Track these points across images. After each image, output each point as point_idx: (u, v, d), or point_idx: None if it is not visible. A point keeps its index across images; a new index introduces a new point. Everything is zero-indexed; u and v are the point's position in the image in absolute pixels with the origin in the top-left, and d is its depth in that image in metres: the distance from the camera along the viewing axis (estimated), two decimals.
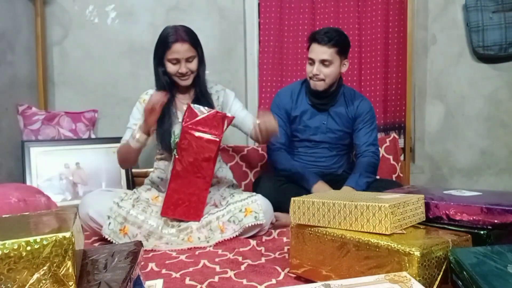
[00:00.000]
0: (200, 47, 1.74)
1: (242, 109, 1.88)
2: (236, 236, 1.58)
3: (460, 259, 0.86)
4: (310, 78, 1.86)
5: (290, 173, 1.89)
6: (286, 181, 1.87)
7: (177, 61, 1.67)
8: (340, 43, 1.80)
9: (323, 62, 1.80)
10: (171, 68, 1.69)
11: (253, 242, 1.54)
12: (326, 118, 1.95)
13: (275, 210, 1.70)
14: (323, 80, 1.83)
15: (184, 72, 1.69)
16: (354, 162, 2.20)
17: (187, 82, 1.73)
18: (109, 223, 1.53)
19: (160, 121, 1.74)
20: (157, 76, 1.76)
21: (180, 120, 1.79)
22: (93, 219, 1.56)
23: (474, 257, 0.86)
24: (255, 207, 1.61)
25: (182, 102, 1.80)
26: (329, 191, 1.36)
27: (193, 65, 1.71)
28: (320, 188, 1.81)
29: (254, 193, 1.70)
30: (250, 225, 1.59)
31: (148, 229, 1.55)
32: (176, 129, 1.76)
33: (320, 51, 1.79)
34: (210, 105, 1.78)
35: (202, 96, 1.78)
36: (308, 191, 1.81)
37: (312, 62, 1.83)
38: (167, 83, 1.75)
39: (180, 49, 1.65)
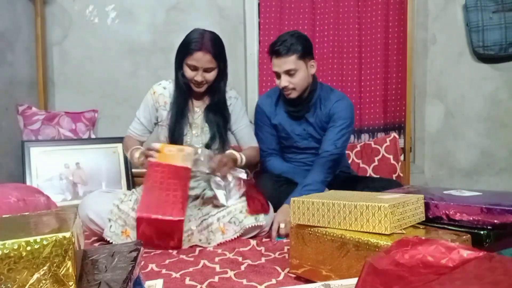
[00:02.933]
0: (224, 59, 1.72)
1: (245, 127, 1.88)
2: (237, 237, 1.58)
3: None
4: (282, 90, 1.82)
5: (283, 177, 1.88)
6: (286, 181, 1.87)
7: (195, 68, 1.66)
8: (298, 48, 1.72)
9: (288, 72, 1.74)
10: (188, 73, 1.68)
11: (253, 242, 1.54)
12: (305, 125, 1.91)
13: (275, 210, 1.70)
14: (294, 89, 1.78)
15: (199, 81, 1.67)
16: (354, 161, 2.22)
17: (200, 90, 1.72)
18: (110, 225, 1.53)
19: (173, 121, 1.73)
20: (176, 77, 1.75)
21: (188, 120, 1.77)
22: (93, 221, 1.55)
23: None
24: None
25: (196, 105, 1.80)
26: (329, 191, 1.35)
27: (211, 76, 1.69)
28: None
29: None
30: (250, 226, 1.59)
31: None
32: (185, 130, 1.75)
33: (281, 63, 1.73)
34: (224, 114, 1.78)
35: (217, 105, 1.77)
36: (293, 187, 1.78)
37: (278, 75, 1.78)
38: (185, 85, 1.73)
39: (201, 58, 1.63)
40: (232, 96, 1.85)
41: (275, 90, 1.99)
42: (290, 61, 1.72)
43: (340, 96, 1.92)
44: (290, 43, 1.71)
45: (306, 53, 1.76)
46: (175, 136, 1.74)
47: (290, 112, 1.91)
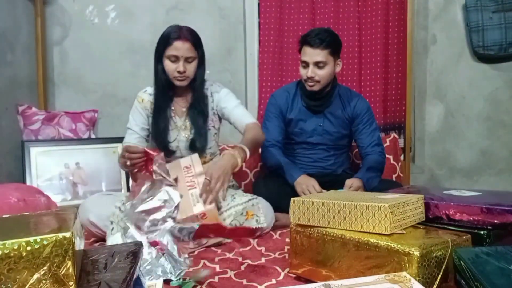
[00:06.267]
0: (202, 50, 1.71)
1: (235, 106, 1.77)
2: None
3: (464, 258, 0.86)
4: (305, 81, 1.85)
5: (276, 169, 1.88)
6: (287, 181, 1.87)
7: (176, 59, 1.64)
8: (332, 43, 1.79)
9: (317, 64, 1.79)
10: (169, 66, 1.66)
11: (253, 242, 1.54)
12: (322, 120, 1.95)
13: (275, 210, 1.70)
14: (318, 81, 1.82)
15: (181, 71, 1.64)
16: (355, 162, 2.22)
17: (182, 83, 1.69)
18: (112, 228, 1.52)
19: (156, 124, 1.72)
20: (156, 75, 1.73)
21: (176, 124, 1.76)
22: (93, 224, 1.55)
23: (477, 256, 0.86)
24: (256, 211, 1.61)
25: (181, 106, 1.78)
26: (329, 191, 1.35)
27: (192, 66, 1.67)
28: (302, 181, 1.78)
29: (255, 196, 1.69)
30: (251, 228, 1.58)
31: None
32: (172, 134, 1.75)
33: (313, 54, 1.78)
34: (203, 110, 1.75)
35: (198, 102, 1.75)
36: (293, 187, 1.79)
37: (305, 65, 1.82)
38: (165, 82, 1.71)
39: (181, 46, 1.62)
40: (213, 91, 1.80)
41: (292, 85, 2.03)
42: (322, 54, 1.78)
43: (359, 95, 2.04)
44: (326, 37, 1.77)
45: (337, 51, 1.83)
46: (160, 140, 1.72)
47: (310, 106, 1.93)
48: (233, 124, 1.79)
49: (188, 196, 1.41)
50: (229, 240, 1.55)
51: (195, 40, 1.66)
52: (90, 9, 2.42)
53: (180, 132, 1.76)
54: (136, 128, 1.76)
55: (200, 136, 1.74)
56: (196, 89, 1.75)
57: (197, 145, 1.74)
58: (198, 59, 1.69)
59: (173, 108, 1.76)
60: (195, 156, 1.55)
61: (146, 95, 1.79)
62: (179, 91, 1.77)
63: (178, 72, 1.65)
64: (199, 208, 1.39)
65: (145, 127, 1.78)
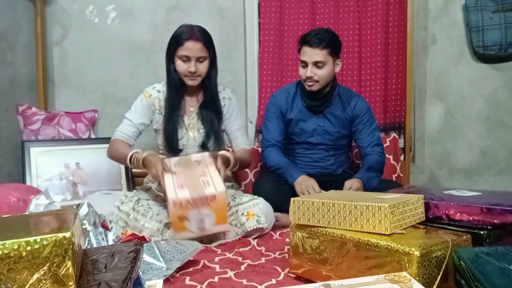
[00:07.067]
0: (213, 50, 1.72)
1: (239, 128, 1.87)
2: (238, 238, 1.58)
3: (464, 258, 0.86)
4: (304, 80, 1.85)
5: (276, 169, 1.89)
6: (286, 181, 1.87)
7: (187, 59, 1.65)
8: (332, 43, 1.79)
9: (316, 64, 1.79)
10: (181, 66, 1.67)
11: (253, 242, 1.54)
12: (322, 120, 1.95)
13: (275, 210, 1.70)
14: (317, 81, 1.82)
15: (193, 71, 1.66)
16: (355, 162, 2.22)
17: (194, 82, 1.70)
18: (111, 227, 1.53)
19: (168, 122, 1.73)
20: (168, 74, 1.74)
21: (185, 122, 1.77)
22: None
23: (477, 256, 0.86)
24: (257, 211, 1.61)
25: (190, 105, 1.79)
26: (329, 191, 1.35)
27: (203, 66, 1.68)
28: (302, 181, 1.77)
29: (255, 196, 1.70)
30: (252, 228, 1.58)
31: (149, 232, 1.54)
32: (180, 132, 1.75)
33: (312, 53, 1.78)
34: (217, 110, 1.77)
35: (210, 100, 1.76)
36: (292, 187, 1.79)
37: (304, 64, 1.82)
38: (178, 81, 1.72)
39: (192, 47, 1.64)
40: (226, 97, 1.84)
41: (293, 84, 2.03)
42: (321, 54, 1.78)
43: (359, 95, 2.05)
44: (325, 37, 1.78)
45: (337, 51, 1.84)
46: (171, 139, 1.73)
47: (310, 107, 1.94)
48: (230, 140, 1.88)
49: (199, 181, 1.50)
50: (230, 239, 1.56)
51: (206, 40, 1.67)
52: (90, 9, 2.42)
53: (188, 131, 1.77)
54: (136, 121, 1.76)
55: (213, 136, 1.76)
56: (209, 89, 1.76)
57: (208, 145, 1.76)
58: (209, 59, 1.70)
59: (181, 106, 1.77)
60: (206, 154, 1.63)
61: (155, 91, 1.79)
62: (190, 90, 1.77)
63: (190, 72, 1.67)
64: (210, 190, 1.45)
65: (145, 122, 1.78)
